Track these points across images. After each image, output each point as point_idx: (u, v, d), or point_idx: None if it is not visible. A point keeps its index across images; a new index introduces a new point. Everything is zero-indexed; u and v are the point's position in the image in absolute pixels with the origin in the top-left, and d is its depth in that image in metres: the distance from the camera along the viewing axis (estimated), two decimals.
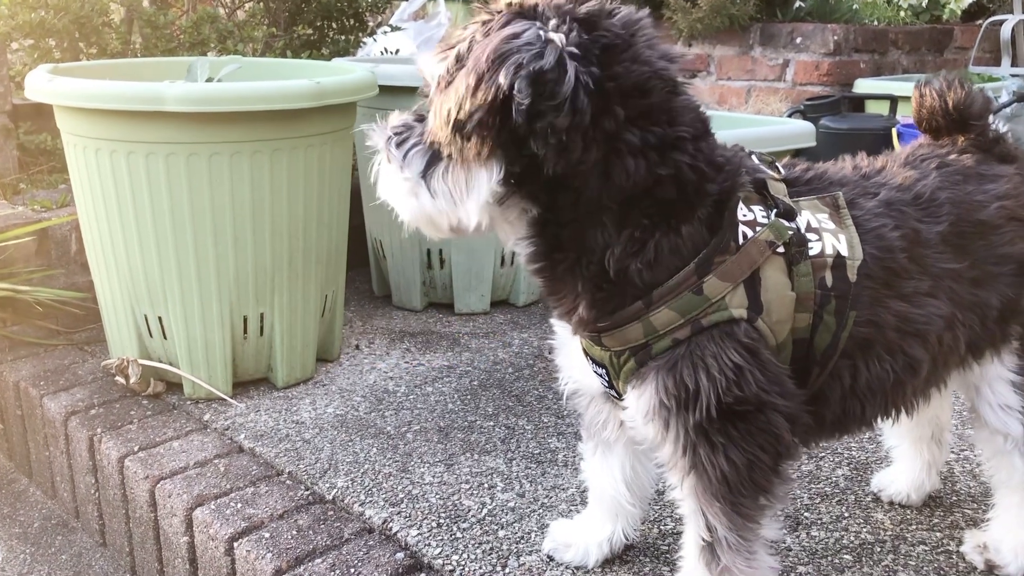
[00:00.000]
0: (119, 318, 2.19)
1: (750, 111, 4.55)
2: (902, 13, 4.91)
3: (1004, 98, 3.41)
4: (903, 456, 1.73)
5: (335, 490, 1.78)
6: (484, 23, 1.13)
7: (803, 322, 1.23)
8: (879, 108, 3.62)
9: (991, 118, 1.48)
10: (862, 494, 1.76)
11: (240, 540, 1.63)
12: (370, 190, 1.28)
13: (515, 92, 1.06)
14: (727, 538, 1.26)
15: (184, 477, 1.83)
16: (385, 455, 1.91)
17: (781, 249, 1.22)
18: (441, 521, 1.66)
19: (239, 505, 1.73)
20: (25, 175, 3.12)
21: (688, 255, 1.19)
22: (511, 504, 1.72)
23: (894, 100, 3.49)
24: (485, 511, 1.70)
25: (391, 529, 1.65)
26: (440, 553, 1.57)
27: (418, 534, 1.62)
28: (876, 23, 4.73)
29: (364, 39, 3.83)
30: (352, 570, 1.53)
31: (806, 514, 1.69)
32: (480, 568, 1.52)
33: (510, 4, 1.14)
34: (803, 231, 1.24)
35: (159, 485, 1.83)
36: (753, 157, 1.31)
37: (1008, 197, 1.38)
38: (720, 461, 1.21)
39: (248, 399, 2.18)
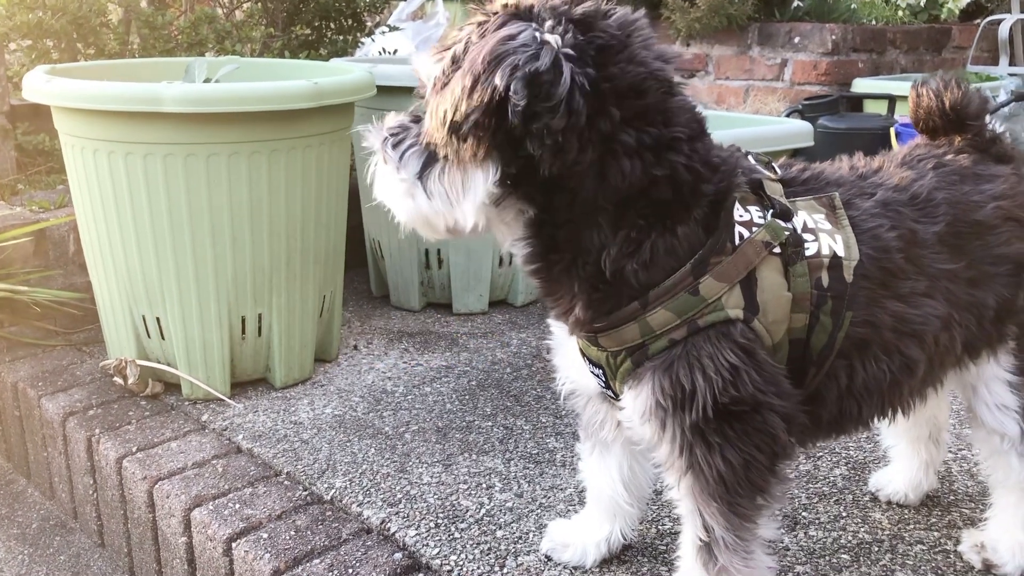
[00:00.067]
0: (117, 319, 2.19)
1: (748, 111, 4.55)
2: (900, 12, 4.91)
3: (1002, 97, 3.41)
4: (901, 456, 1.73)
5: (333, 490, 1.78)
6: (480, 24, 1.14)
7: (799, 322, 1.23)
8: (877, 108, 3.62)
9: (988, 118, 1.48)
10: (860, 494, 1.76)
11: (238, 541, 1.63)
12: (368, 190, 1.28)
13: (511, 93, 1.06)
14: (724, 538, 1.26)
15: (182, 478, 1.83)
16: (383, 455, 1.91)
17: (777, 250, 1.22)
18: (439, 521, 1.67)
19: (237, 506, 1.73)
20: (23, 176, 3.12)
21: (684, 256, 1.19)
22: (509, 504, 1.72)
23: (892, 100, 3.49)
24: (483, 511, 1.70)
25: (389, 529, 1.65)
26: (438, 553, 1.57)
27: (416, 534, 1.62)
28: (874, 22, 4.73)
29: (362, 39, 3.83)
30: (350, 570, 1.53)
31: (804, 514, 1.69)
32: (478, 568, 1.53)
33: (506, 5, 1.14)
34: (799, 231, 1.24)
35: (157, 486, 1.83)
36: (749, 157, 1.31)
37: (1004, 197, 1.38)
38: (717, 461, 1.21)
39: (246, 399, 2.18)
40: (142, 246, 2.06)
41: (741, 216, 1.23)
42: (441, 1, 5.12)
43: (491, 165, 1.13)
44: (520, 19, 1.12)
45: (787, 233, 1.23)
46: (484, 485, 1.79)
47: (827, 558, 1.56)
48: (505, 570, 1.52)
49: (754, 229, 1.22)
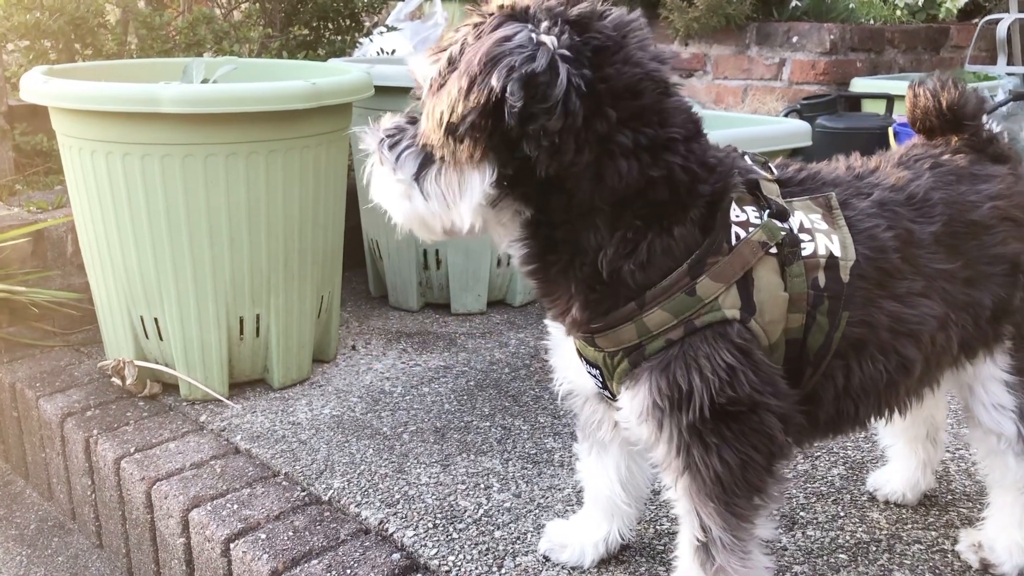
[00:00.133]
0: (115, 319, 2.19)
1: (746, 110, 4.55)
2: (898, 12, 4.91)
3: (1000, 97, 3.42)
4: (898, 455, 1.74)
5: (331, 491, 1.78)
6: (476, 25, 1.14)
7: (796, 322, 1.23)
8: (875, 107, 3.62)
9: (985, 118, 1.48)
10: (858, 493, 1.76)
11: (236, 541, 1.63)
12: (366, 191, 1.28)
13: (507, 95, 1.06)
14: (721, 538, 1.26)
15: (180, 478, 1.83)
16: (381, 456, 1.91)
17: (774, 250, 1.22)
18: (437, 522, 1.67)
19: (235, 506, 1.73)
20: (21, 176, 3.12)
21: (681, 256, 1.20)
22: (507, 504, 1.72)
23: (890, 99, 3.50)
24: (481, 511, 1.70)
25: (387, 530, 1.65)
26: (436, 554, 1.57)
27: (414, 535, 1.62)
28: (872, 22, 4.74)
29: (360, 39, 3.83)
30: (348, 571, 1.53)
31: (802, 513, 1.69)
32: (476, 569, 1.53)
33: (502, 6, 1.14)
34: (796, 232, 1.24)
35: (155, 486, 1.83)
36: (746, 158, 1.31)
37: (1001, 197, 1.38)
38: (714, 461, 1.21)
39: (244, 400, 2.18)
40: (140, 247, 2.06)
41: (737, 216, 1.23)
42: (439, 1, 5.11)
43: (488, 166, 1.13)
44: (516, 20, 1.12)
45: (783, 233, 1.23)
46: (482, 485, 1.79)
47: (825, 558, 1.56)
48: (503, 570, 1.53)
49: (751, 229, 1.22)
